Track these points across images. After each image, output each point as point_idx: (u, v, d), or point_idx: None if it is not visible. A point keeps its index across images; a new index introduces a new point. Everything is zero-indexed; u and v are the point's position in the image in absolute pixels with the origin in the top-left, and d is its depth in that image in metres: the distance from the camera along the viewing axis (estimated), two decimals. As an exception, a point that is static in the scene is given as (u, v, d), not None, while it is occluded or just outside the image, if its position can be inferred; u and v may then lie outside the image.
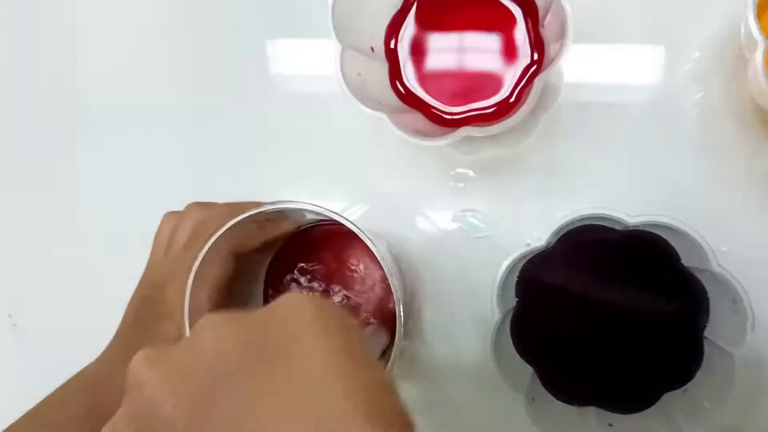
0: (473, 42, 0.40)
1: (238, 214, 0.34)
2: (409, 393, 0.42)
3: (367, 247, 0.38)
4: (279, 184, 0.45)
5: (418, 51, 0.41)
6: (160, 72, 0.47)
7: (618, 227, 0.36)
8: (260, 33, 0.46)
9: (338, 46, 0.36)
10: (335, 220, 0.35)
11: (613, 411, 0.37)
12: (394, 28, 0.41)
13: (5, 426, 0.39)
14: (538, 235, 0.35)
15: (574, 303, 0.37)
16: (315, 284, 0.40)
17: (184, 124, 0.47)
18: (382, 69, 0.41)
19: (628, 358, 0.37)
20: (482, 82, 0.39)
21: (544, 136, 0.43)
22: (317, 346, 0.20)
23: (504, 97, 0.39)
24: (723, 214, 0.40)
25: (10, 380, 0.46)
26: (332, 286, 0.40)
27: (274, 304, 0.22)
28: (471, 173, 0.43)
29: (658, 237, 0.35)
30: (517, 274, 0.37)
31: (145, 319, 0.38)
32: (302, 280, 0.40)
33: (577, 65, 0.40)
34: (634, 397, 0.37)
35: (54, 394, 0.40)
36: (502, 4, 0.39)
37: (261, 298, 0.40)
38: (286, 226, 0.38)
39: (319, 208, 0.33)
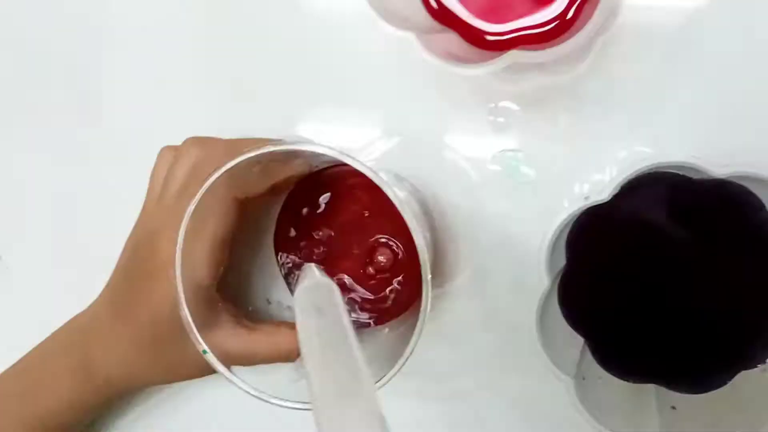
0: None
1: (240, 154, 0.28)
2: (437, 365, 0.38)
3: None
4: (294, 116, 0.39)
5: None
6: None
7: (694, 176, 0.30)
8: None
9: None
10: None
11: (677, 390, 0.32)
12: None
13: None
14: (594, 187, 0.29)
15: (637, 264, 0.31)
16: (329, 233, 0.35)
17: (198, 46, 0.41)
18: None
19: (698, 329, 0.31)
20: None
21: (603, 63, 0.35)
22: None
23: (560, 11, 0.31)
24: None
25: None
26: (350, 240, 0.35)
27: None
28: (514, 106, 0.37)
29: (748, 192, 0.29)
30: (567, 231, 0.31)
31: (136, 274, 0.33)
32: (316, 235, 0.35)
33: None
34: (702, 375, 0.31)
35: (39, 349, 0.37)
36: None
37: (272, 251, 0.35)
38: (296, 167, 0.33)
39: (325, 149, 0.28)
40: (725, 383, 0.31)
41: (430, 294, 0.28)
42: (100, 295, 0.36)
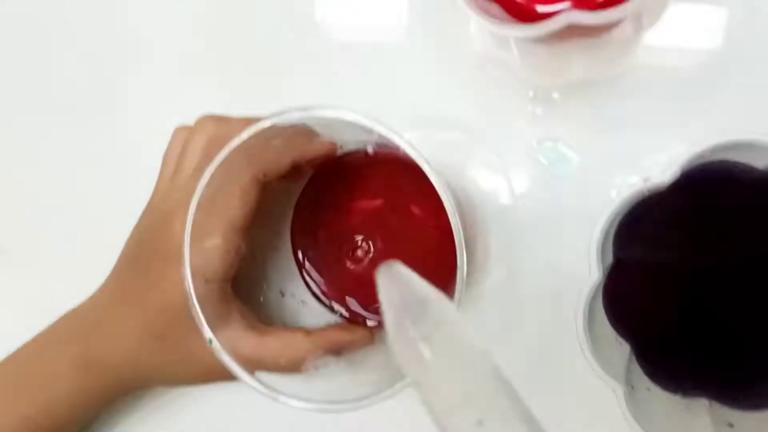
0: None
1: (259, 122, 0.26)
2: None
3: (423, 183, 0.30)
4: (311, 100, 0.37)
5: None
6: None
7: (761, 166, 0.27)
8: None
9: None
10: (383, 144, 0.27)
11: (729, 406, 0.29)
12: None
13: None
14: (649, 173, 0.26)
15: (693, 262, 0.28)
16: (350, 223, 0.32)
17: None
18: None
19: (759, 338, 0.28)
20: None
21: (652, 53, 0.33)
22: None
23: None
24: None
25: None
26: (373, 231, 0.32)
27: None
28: (555, 94, 0.34)
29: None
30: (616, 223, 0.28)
31: (146, 257, 0.31)
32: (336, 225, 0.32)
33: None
34: (764, 389, 0.28)
35: (38, 339, 0.34)
36: None
37: (288, 240, 0.32)
38: (319, 147, 0.30)
39: (354, 115, 0.25)
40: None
41: (464, 280, 0.25)
42: (105, 282, 0.34)
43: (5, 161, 0.41)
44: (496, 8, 0.31)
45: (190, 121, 0.32)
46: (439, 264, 0.31)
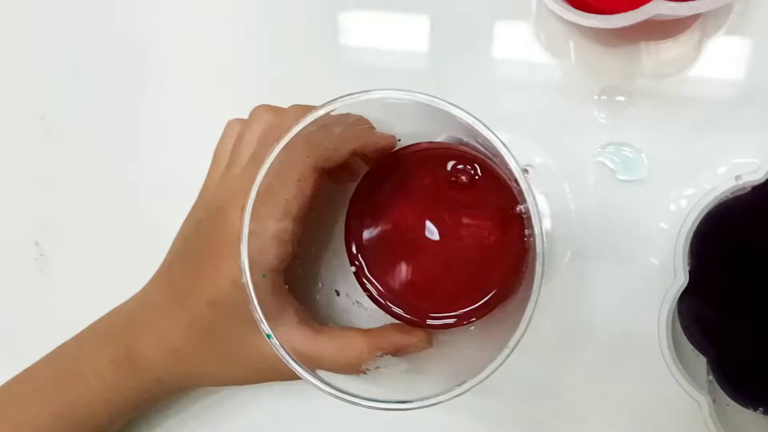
0: None
1: (320, 107, 0.25)
2: (520, 384, 0.33)
3: (483, 180, 0.29)
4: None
5: None
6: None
7: None
8: None
9: None
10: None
11: (813, 427, 0.27)
12: None
13: (26, 365, 0.34)
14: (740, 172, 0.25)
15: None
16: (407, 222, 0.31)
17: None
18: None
19: None
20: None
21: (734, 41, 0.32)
22: None
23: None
24: None
25: (33, 316, 0.39)
26: (432, 231, 0.31)
27: None
28: (621, 98, 0.33)
29: None
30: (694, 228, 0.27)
31: (198, 252, 0.30)
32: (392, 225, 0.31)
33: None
34: None
35: (78, 337, 0.33)
36: None
37: (342, 239, 0.31)
38: (380, 137, 0.29)
39: (427, 98, 0.24)
40: None
41: (540, 286, 0.24)
42: (152, 279, 0.32)
43: (43, 166, 0.40)
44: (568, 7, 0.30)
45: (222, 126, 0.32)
46: (499, 266, 0.30)
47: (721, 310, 0.28)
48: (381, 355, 0.27)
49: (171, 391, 0.34)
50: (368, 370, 0.27)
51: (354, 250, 0.31)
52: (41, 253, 0.39)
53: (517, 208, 0.28)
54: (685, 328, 0.27)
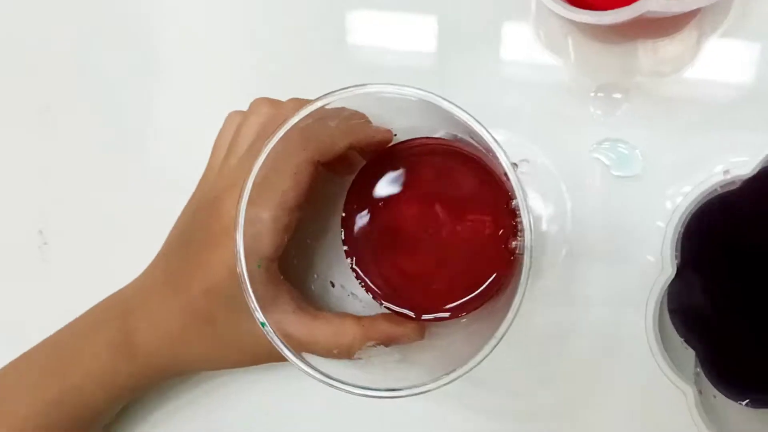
0: None
1: (316, 100, 0.26)
2: (516, 376, 0.33)
3: (478, 176, 0.29)
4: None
5: None
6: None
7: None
8: None
9: None
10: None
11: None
12: None
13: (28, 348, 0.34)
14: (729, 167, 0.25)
15: (761, 266, 0.27)
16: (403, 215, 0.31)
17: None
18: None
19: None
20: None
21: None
22: None
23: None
24: None
25: (36, 303, 0.40)
26: (426, 226, 0.31)
27: None
28: (618, 95, 0.33)
29: None
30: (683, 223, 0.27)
31: (193, 240, 0.30)
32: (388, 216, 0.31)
33: None
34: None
35: (75, 322, 0.34)
36: None
37: (339, 230, 0.32)
38: (376, 131, 0.29)
39: (422, 93, 0.24)
40: None
41: (528, 279, 0.24)
42: (149, 266, 0.33)
43: (47, 156, 0.41)
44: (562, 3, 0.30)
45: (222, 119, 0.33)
46: (493, 260, 0.30)
47: (710, 303, 0.28)
48: (374, 345, 0.28)
49: (167, 376, 0.34)
50: (361, 357, 0.27)
51: (350, 242, 0.32)
52: (45, 242, 0.40)
53: (512, 204, 0.28)
54: (674, 322, 0.28)
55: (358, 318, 0.29)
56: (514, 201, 0.25)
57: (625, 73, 0.33)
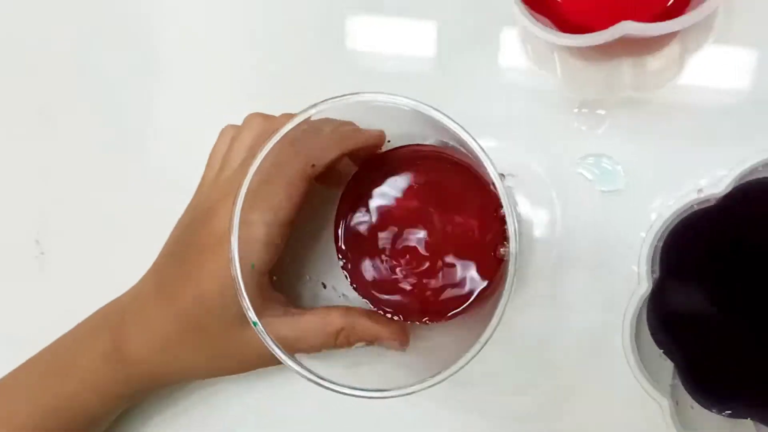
0: None
1: (307, 109, 0.26)
2: (504, 378, 0.34)
3: (468, 182, 0.30)
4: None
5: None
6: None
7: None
8: None
9: None
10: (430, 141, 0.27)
11: (771, 429, 0.28)
12: None
13: (24, 359, 0.34)
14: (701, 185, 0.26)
15: (745, 279, 0.28)
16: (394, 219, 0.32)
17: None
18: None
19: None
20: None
21: (701, 74, 0.34)
22: None
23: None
24: None
25: (33, 313, 0.40)
26: (416, 230, 0.32)
27: None
28: (600, 111, 0.34)
29: None
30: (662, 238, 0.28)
31: (187, 250, 0.31)
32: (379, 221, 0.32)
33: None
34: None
35: (73, 331, 0.34)
36: None
37: (332, 232, 0.32)
38: (368, 136, 0.30)
39: (408, 101, 0.25)
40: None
41: (513, 287, 0.25)
42: (143, 277, 0.34)
43: (44, 163, 0.41)
44: (548, 23, 0.31)
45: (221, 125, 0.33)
46: (482, 267, 0.31)
47: (687, 317, 0.29)
48: (363, 346, 0.29)
49: (160, 384, 0.34)
50: (350, 348, 0.28)
51: (342, 245, 0.32)
52: (41, 251, 0.40)
53: (501, 212, 0.29)
54: (652, 334, 0.29)
55: (344, 309, 0.29)
56: (502, 209, 0.26)
57: (609, 89, 0.34)
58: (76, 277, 0.39)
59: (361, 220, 0.32)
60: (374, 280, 0.32)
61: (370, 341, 0.29)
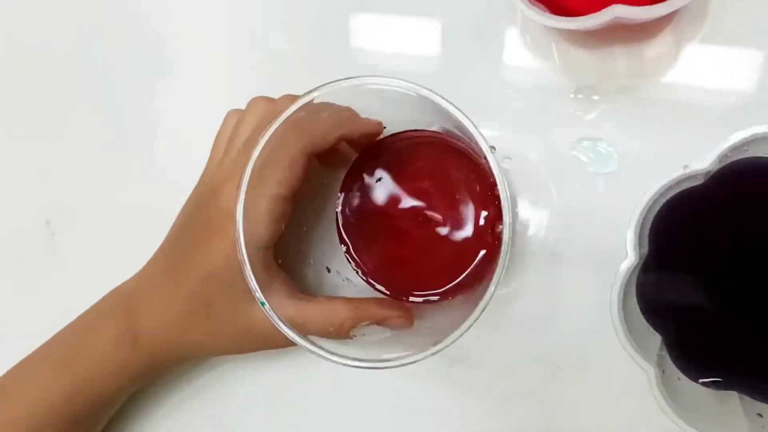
0: None
1: (307, 93, 0.28)
2: (499, 357, 0.35)
3: (467, 167, 0.31)
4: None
5: None
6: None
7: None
8: None
9: None
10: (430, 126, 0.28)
11: (757, 399, 0.29)
12: None
13: (35, 346, 0.35)
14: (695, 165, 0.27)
15: (728, 256, 0.29)
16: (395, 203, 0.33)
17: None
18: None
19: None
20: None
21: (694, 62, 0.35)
22: None
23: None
24: None
25: (42, 296, 0.41)
26: (417, 214, 0.33)
27: None
28: (595, 97, 0.35)
29: None
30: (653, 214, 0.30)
31: (193, 230, 0.32)
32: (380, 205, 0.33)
33: None
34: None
35: (84, 315, 0.35)
36: None
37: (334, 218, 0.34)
38: (367, 123, 0.31)
39: (406, 84, 0.26)
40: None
41: (506, 266, 0.26)
42: (152, 257, 0.35)
43: (45, 157, 0.41)
44: (545, 9, 0.32)
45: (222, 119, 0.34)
46: (481, 244, 0.32)
47: (675, 292, 0.30)
48: (367, 324, 0.30)
49: (174, 362, 0.35)
50: (354, 336, 0.29)
51: (344, 230, 0.34)
52: (52, 233, 0.41)
53: (496, 191, 0.30)
54: (641, 308, 0.30)
55: (349, 299, 0.31)
56: (496, 188, 0.27)
57: (605, 76, 0.36)
58: (79, 270, 0.40)
59: (362, 204, 0.33)
60: (376, 263, 0.33)
61: (377, 323, 0.30)
